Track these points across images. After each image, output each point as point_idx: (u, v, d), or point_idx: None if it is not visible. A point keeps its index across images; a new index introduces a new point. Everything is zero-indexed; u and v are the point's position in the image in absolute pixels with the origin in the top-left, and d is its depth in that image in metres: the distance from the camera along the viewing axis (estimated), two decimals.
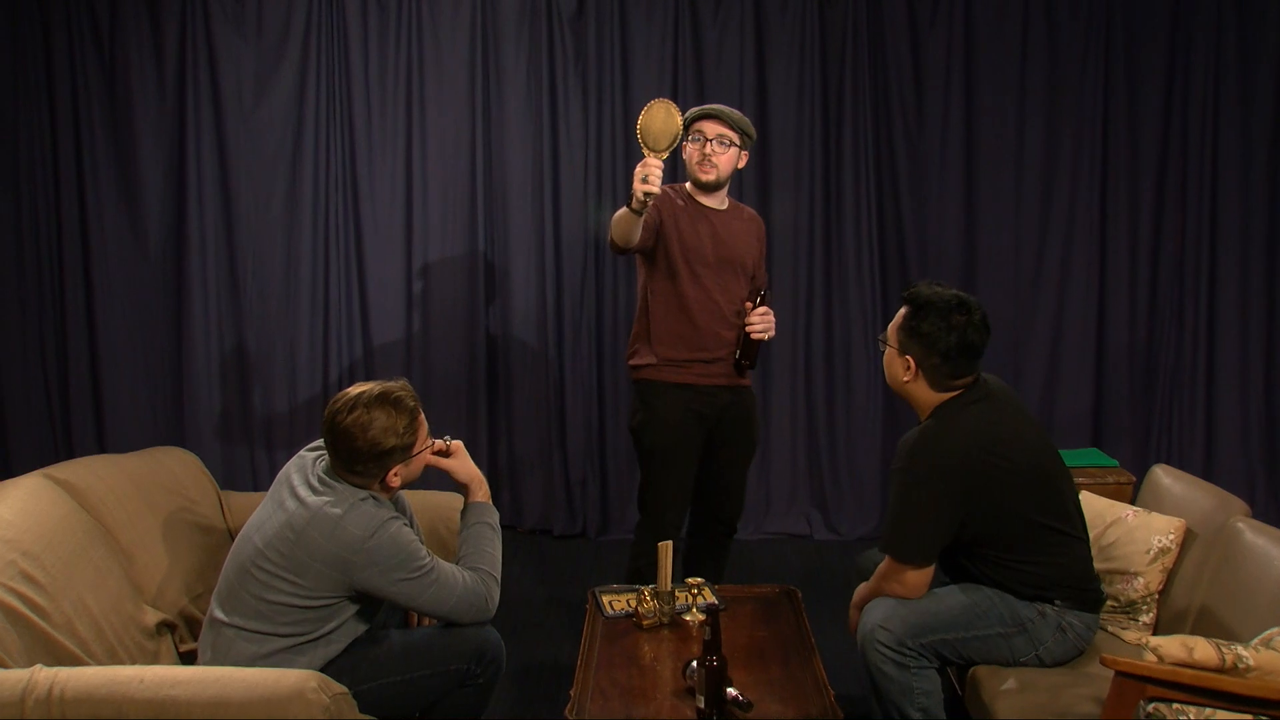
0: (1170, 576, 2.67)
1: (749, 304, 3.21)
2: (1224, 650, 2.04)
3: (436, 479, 2.56)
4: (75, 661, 2.17)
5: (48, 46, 4.51)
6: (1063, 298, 4.69)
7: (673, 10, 4.54)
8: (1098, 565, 2.64)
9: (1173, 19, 4.54)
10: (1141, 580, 2.66)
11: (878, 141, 4.62)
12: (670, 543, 2.70)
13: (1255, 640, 2.13)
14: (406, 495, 2.58)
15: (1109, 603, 2.66)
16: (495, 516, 2.53)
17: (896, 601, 2.48)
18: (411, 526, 2.49)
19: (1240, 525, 2.52)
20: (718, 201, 3.23)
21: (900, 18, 4.57)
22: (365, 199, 4.62)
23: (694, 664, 2.28)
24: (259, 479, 4.65)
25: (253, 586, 2.26)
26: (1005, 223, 4.66)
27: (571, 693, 2.36)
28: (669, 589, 2.70)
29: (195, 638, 2.54)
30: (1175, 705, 2.01)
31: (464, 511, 2.53)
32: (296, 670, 2.03)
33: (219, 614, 2.30)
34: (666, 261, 3.15)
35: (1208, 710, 1.99)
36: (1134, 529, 2.72)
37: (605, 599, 2.82)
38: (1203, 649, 2.03)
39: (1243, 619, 2.35)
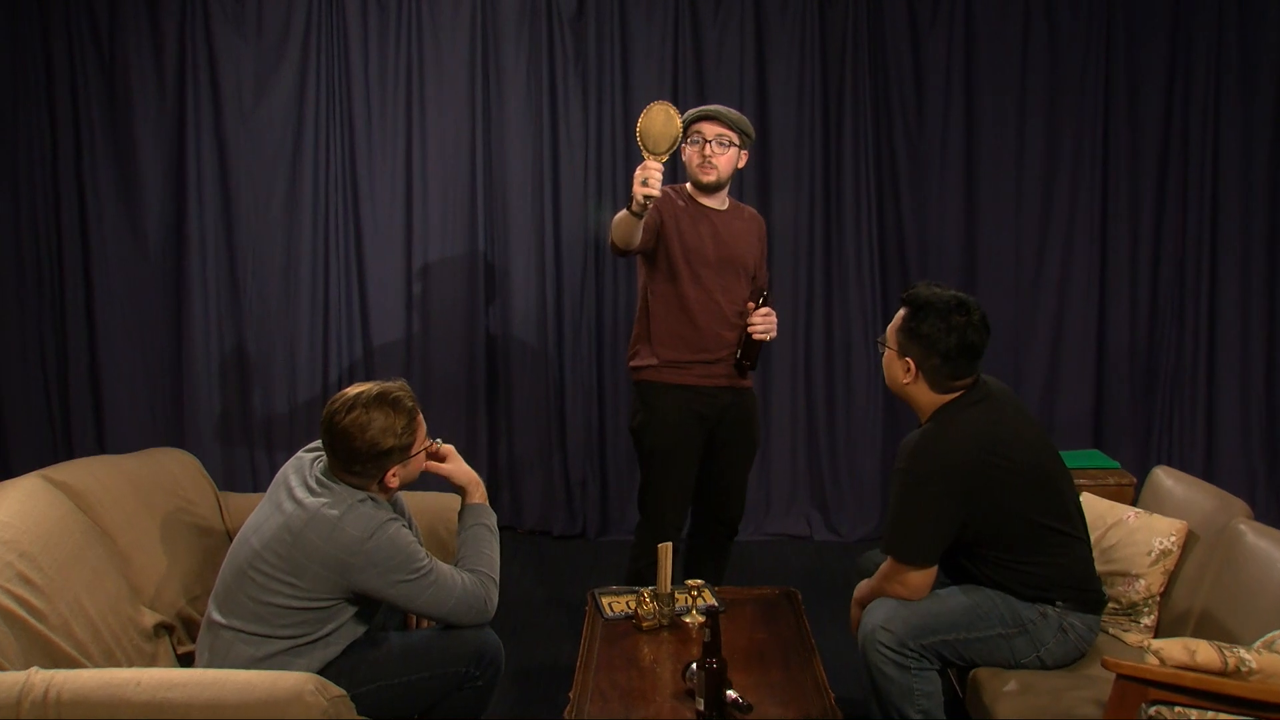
0: (1172, 578, 2.66)
1: (751, 304, 3.21)
2: (1226, 653, 2.03)
3: (435, 480, 2.55)
4: (72, 663, 2.16)
5: (47, 46, 4.50)
6: (1063, 298, 4.68)
7: (673, 10, 4.53)
8: (1099, 567, 2.63)
9: (1173, 19, 4.53)
10: (1143, 582, 2.65)
11: (878, 141, 4.62)
12: (670, 544, 2.70)
13: (1258, 643, 2.12)
14: (405, 497, 2.58)
15: (1110, 605, 2.66)
16: (493, 518, 2.53)
17: (898, 602, 2.47)
18: (410, 528, 2.48)
19: (1242, 527, 2.52)
20: (718, 202, 3.23)
21: (900, 18, 4.56)
22: (365, 199, 4.62)
23: (694, 666, 2.27)
24: (258, 480, 4.64)
25: (250, 588, 2.25)
26: (1005, 223, 4.65)
27: (570, 695, 2.36)
28: (669, 591, 2.69)
29: (193, 640, 2.54)
30: (1177, 709, 2.00)
31: (461, 513, 2.53)
32: (294, 672, 2.03)
33: (216, 616, 2.30)
34: (667, 262, 3.15)
35: (1210, 714, 1.98)
36: (1135, 531, 2.72)
37: (605, 600, 2.82)
38: (1205, 652, 2.03)
39: (1245, 621, 2.34)
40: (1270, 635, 2.13)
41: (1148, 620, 2.65)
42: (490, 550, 2.46)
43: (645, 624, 2.66)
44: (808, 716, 2.27)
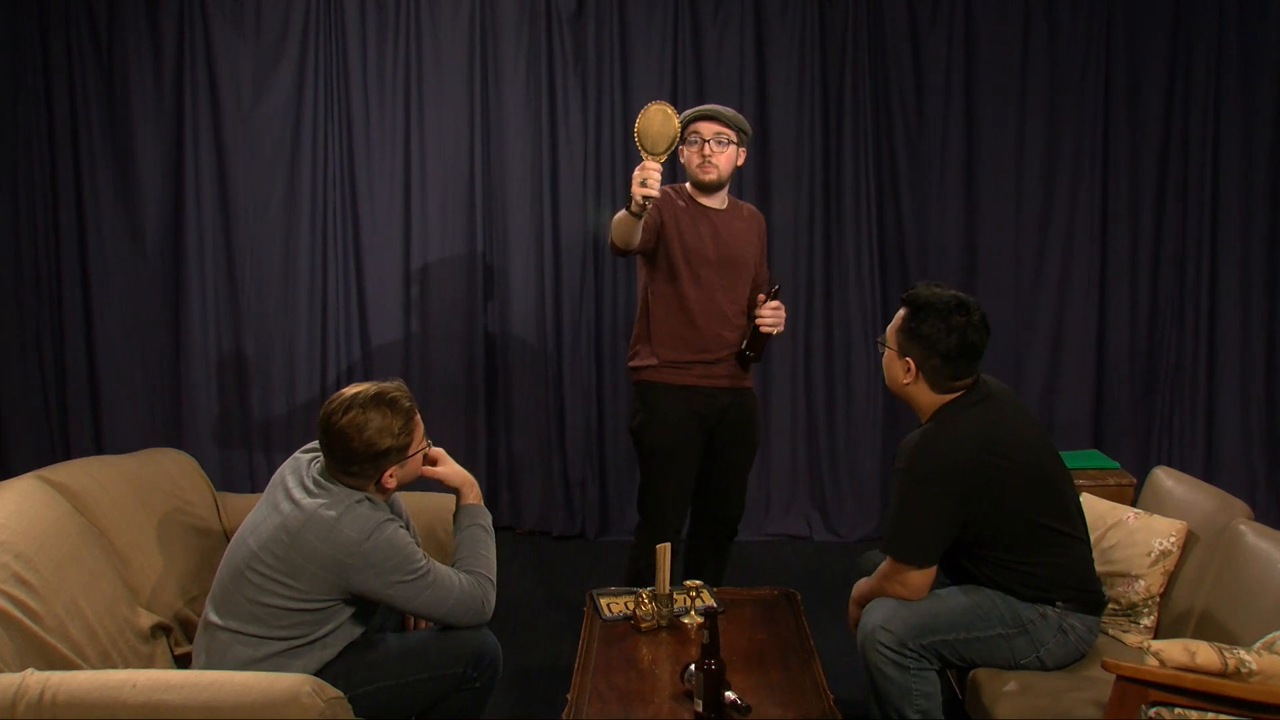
0: (1172, 579, 2.65)
1: (761, 296, 3.20)
2: (1226, 654, 2.02)
3: (433, 481, 2.55)
4: (68, 665, 2.15)
5: (46, 46, 4.50)
6: (1063, 298, 4.68)
7: (673, 10, 4.53)
8: (1099, 568, 2.62)
9: (1173, 19, 4.53)
10: (1143, 583, 2.64)
11: (878, 141, 4.61)
12: (669, 545, 2.69)
13: (1258, 644, 2.11)
14: (402, 498, 2.57)
15: (1110, 606, 2.65)
16: (488, 519, 2.52)
17: (898, 602, 2.47)
18: (408, 529, 2.47)
19: (1242, 528, 2.51)
20: (718, 201, 3.22)
21: (900, 18, 4.56)
22: (364, 199, 4.62)
23: (692, 667, 2.27)
24: (257, 480, 4.64)
25: (247, 589, 2.25)
26: (1005, 223, 4.65)
27: (569, 696, 2.35)
28: (667, 591, 2.69)
29: (190, 641, 2.53)
30: (1177, 710, 2.00)
31: (456, 515, 2.52)
32: (291, 674, 2.02)
33: (213, 617, 2.29)
34: (668, 263, 3.14)
35: (1210, 715, 1.98)
36: (1135, 531, 2.71)
37: (603, 601, 2.81)
38: (1205, 653, 2.02)
39: (1245, 622, 2.33)
40: (1270, 636, 2.12)
41: (1148, 621, 2.64)
42: (487, 551, 2.45)
43: (644, 625, 2.66)
44: (807, 717, 2.26)
